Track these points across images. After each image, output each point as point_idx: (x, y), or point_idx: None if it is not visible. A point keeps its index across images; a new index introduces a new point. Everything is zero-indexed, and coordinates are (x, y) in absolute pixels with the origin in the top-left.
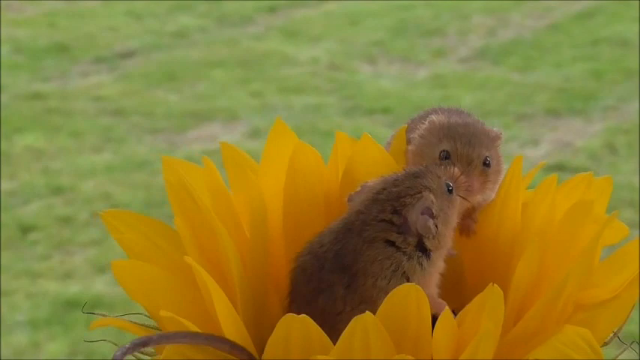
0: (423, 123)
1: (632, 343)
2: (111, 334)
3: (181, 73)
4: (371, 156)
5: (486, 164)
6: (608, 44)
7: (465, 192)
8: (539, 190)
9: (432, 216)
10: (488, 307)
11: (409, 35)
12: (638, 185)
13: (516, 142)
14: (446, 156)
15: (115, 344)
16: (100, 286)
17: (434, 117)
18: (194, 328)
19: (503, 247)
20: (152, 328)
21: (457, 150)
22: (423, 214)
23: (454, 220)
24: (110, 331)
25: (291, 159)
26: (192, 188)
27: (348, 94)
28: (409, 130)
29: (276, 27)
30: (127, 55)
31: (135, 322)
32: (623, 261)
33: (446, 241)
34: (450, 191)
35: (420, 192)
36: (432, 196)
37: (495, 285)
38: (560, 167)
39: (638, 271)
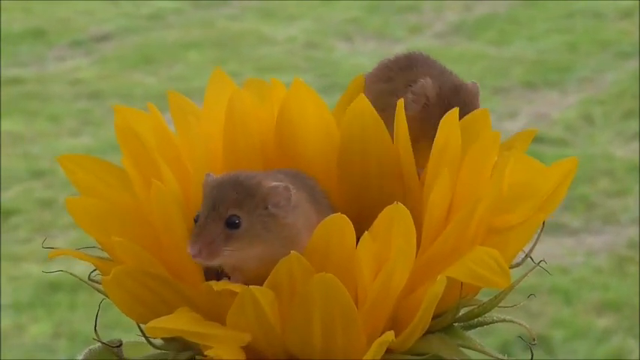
0: (415, 82)
1: (540, 262)
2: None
3: (157, 55)
4: (303, 99)
5: None
6: (582, 16)
7: None
8: (444, 124)
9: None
10: (396, 226)
11: (384, 12)
12: (614, 155)
13: (494, 115)
14: None
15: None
16: (82, 267)
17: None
18: (143, 252)
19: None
20: (105, 259)
21: None
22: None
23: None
24: (94, 310)
25: (229, 104)
26: (139, 131)
27: (325, 71)
28: (383, 79)
29: (252, 7)
30: (103, 38)
31: (88, 254)
32: (532, 190)
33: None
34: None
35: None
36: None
37: (399, 202)
38: (537, 139)
39: (543, 199)
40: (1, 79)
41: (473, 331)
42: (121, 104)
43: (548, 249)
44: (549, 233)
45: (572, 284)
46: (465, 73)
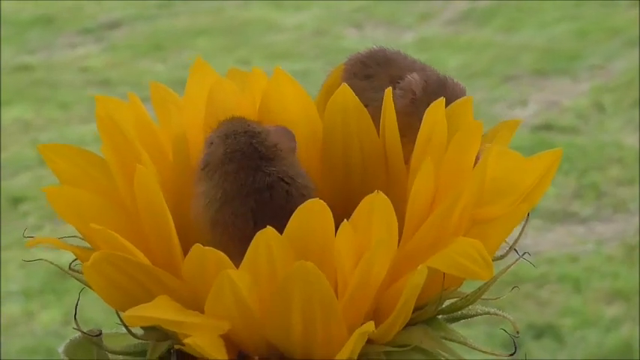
0: (401, 79)
1: (524, 254)
2: (100, 303)
3: (166, 42)
4: (284, 89)
5: None
6: (592, 3)
7: None
8: (430, 113)
9: None
10: (376, 215)
11: None
12: (624, 143)
13: (504, 103)
14: None
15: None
16: None
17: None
18: (122, 241)
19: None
20: (86, 249)
21: None
22: None
23: None
24: (99, 300)
25: (210, 93)
26: (119, 120)
27: (334, 59)
28: (362, 75)
29: None
30: (112, 25)
31: (68, 243)
32: (516, 181)
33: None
34: None
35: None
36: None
37: (379, 191)
38: (548, 127)
39: (527, 191)
40: (11, 66)
41: (477, 321)
42: (130, 91)
43: (558, 237)
44: (559, 221)
45: (581, 273)
46: (474, 61)
